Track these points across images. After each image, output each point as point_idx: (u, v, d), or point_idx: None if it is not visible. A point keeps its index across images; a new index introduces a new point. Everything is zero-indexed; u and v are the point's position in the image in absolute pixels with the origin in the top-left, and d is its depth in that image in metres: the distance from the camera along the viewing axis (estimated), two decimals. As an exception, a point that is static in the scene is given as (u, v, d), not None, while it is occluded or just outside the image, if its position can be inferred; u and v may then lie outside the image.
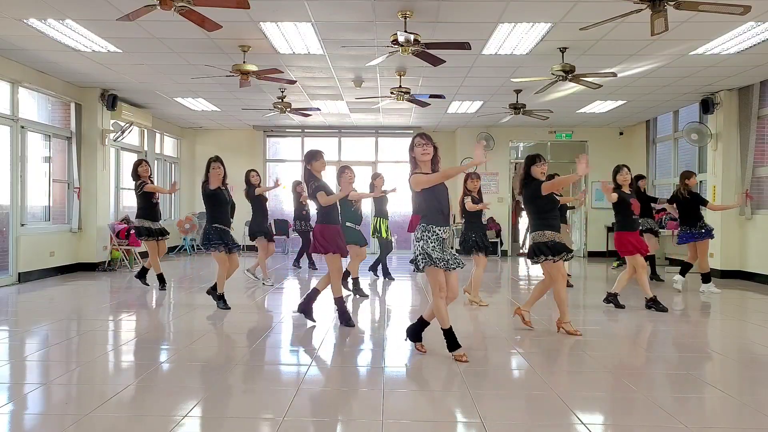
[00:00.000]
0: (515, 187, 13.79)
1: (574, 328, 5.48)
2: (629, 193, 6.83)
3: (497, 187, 14.16)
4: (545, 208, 5.43)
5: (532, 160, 5.45)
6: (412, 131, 14.31)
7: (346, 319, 5.80)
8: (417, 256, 4.45)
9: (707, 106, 10.22)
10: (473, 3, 6.12)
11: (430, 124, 14.11)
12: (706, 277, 8.16)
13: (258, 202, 8.87)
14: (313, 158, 5.79)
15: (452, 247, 4.65)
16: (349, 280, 7.80)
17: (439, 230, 4.42)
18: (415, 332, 4.81)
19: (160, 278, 8.10)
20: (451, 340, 4.56)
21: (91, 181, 10.28)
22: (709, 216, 10.34)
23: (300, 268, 10.92)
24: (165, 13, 5.44)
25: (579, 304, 7.59)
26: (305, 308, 5.81)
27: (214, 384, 3.95)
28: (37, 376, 4.21)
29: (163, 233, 8.08)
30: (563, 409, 3.50)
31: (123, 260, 10.75)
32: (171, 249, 13.60)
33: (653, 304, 6.76)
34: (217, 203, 6.66)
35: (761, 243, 9.47)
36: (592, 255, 13.92)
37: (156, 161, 13.39)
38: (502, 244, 13.87)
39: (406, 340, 4.92)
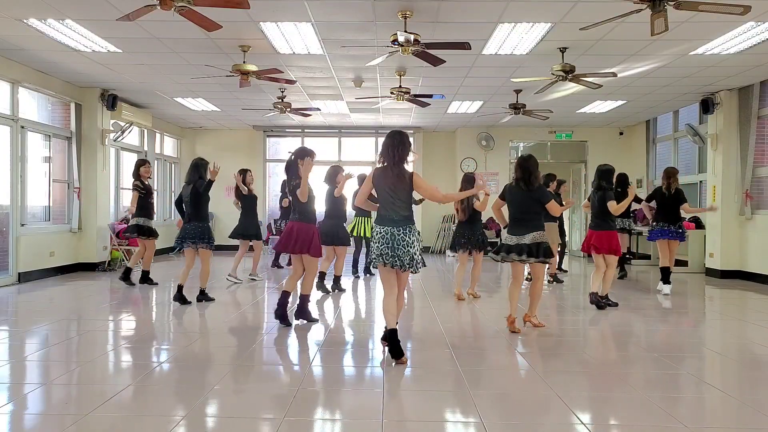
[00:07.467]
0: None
1: (538, 321, 5.76)
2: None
3: (497, 186, 14.14)
4: None
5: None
6: (412, 131, 14.31)
7: (306, 317, 5.85)
8: None
9: (707, 106, 10.22)
10: (473, 3, 6.12)
11: (430, 124, 14.10)
12: (667, 277, 7.98)
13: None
14: (307, 155, 5.58)
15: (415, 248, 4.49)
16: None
17: (380, 228, 4.54)
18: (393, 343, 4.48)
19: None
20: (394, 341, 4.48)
21: (91, 181, 10.28)
22: (709, 216, 10.35)
23: (282, 268, 10.92)
24: (165, 13, 5.44)
25: (578, 304, 7.59)
26: (281, 314, 5.71)
27: (213, 384, 3.95)
28: (37, 376, 4.21)
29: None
30: (563, 409, 3.51)
31: (123, 260, 10.73)
32: (170, 249, 13.59)
33: (602, 300, 6.86)
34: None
35: (761, 243, 9.47)
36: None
37: (156, 161, 13.39)
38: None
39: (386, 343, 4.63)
